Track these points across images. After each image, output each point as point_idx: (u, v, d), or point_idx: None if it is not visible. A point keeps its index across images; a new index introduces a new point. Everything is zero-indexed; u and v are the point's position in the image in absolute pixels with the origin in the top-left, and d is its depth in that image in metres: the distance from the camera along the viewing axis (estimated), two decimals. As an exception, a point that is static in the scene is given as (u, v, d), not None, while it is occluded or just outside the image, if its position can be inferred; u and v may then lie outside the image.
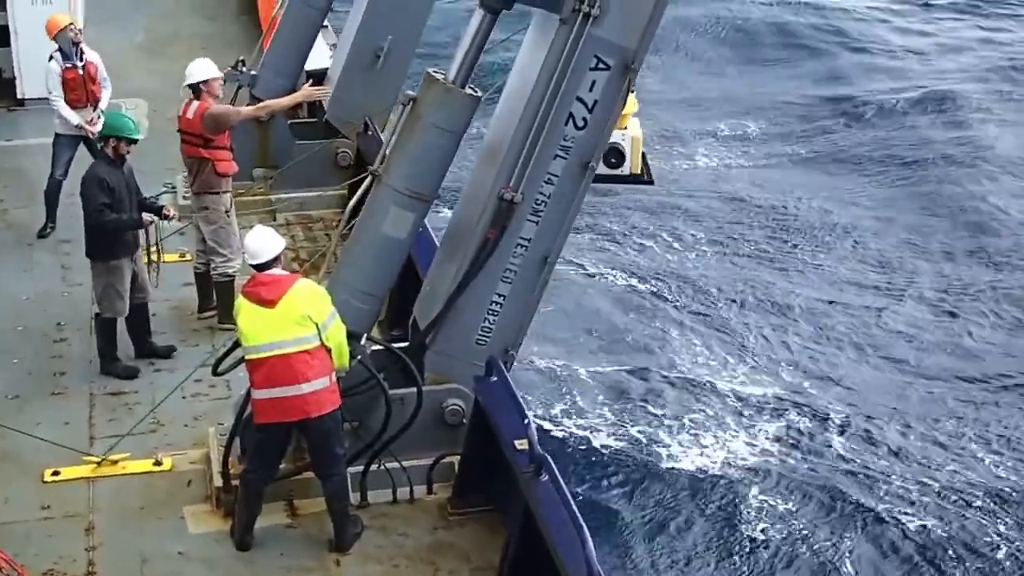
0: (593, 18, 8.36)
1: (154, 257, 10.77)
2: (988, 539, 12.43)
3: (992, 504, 12.92)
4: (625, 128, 9.99)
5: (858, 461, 13.47)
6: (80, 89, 12.98)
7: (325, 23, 15.05)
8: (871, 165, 22.21)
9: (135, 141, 10.46)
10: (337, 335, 8.17)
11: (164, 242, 10.97)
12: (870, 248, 19.00)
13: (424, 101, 8.50)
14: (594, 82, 8.56)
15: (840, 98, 25.02)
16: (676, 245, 18.50)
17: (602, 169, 9.82)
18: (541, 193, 8.76)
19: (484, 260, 8.81)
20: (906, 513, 12.74)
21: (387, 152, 8.62)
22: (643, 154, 10.53)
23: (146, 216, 10.47)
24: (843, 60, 27.21)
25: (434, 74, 8.58)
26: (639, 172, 10.42)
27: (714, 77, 26.04)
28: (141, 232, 10.55)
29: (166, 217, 10.73)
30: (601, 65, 8.52)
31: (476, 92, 8.62)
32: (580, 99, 8.58)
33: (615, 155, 9.87)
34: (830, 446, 13.78)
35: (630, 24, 8.46)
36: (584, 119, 8.64)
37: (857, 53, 27.71)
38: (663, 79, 24.82)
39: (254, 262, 8.30)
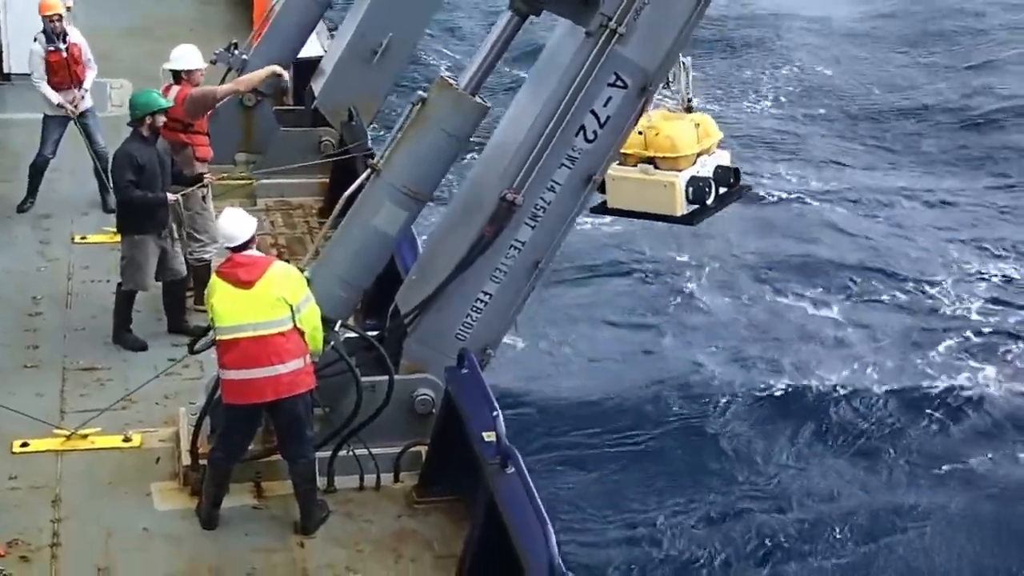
0: (619, 36, 8.57)
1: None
2: None
3: None
4: (714, 153, 10.19)
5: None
6: (63, 71, 12.99)
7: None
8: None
9: (166, 110, 10.55)
10: (312, 319, 8.22)
11: None
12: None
13: (434, 105, 8.61)
14: (610, 98, 8.80)
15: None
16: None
17: (722, 191, 10.00)
18: (542, 199, 8.96)
19: (477, 256, 8.96)
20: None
21: (389, 148, 8.69)
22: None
23: (170, 196, 10.53)
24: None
25: (447, 79, 8.73)
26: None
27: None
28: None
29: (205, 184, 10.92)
30: (619, 83, 8.77)
31: (486, 103, 8.77)
32: (594, 112, 8.80)
33: (733, 175, 10.08)
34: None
35: (653, 47, 8.73)
36: (595, 132, 8.86)
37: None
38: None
39: (231, 244, 8.33)
